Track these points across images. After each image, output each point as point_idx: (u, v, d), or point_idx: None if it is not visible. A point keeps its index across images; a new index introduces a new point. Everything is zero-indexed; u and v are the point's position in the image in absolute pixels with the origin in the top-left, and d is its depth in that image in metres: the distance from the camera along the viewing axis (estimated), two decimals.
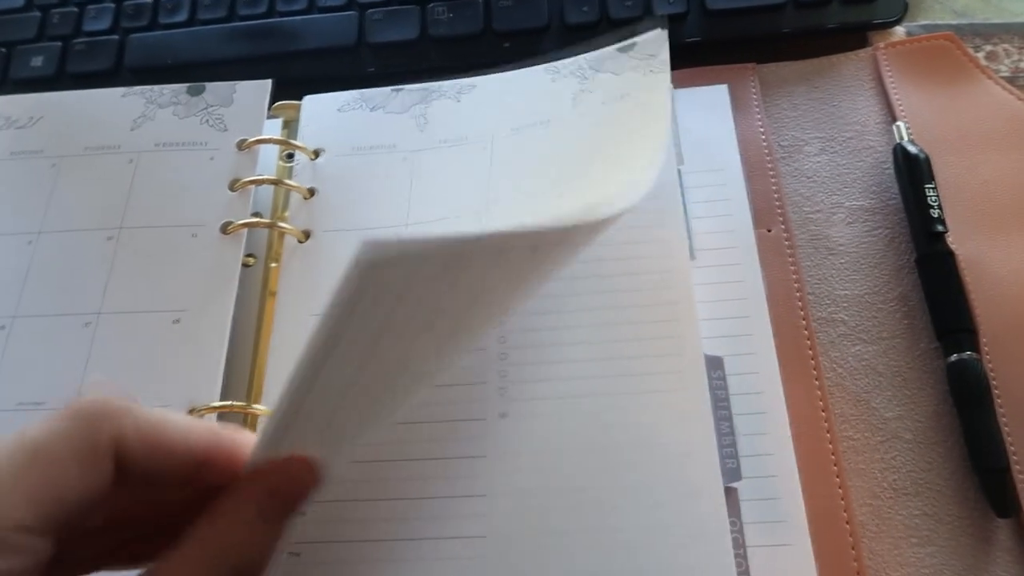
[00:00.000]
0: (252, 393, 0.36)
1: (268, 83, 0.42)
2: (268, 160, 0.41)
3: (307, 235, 0.39)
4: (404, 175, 0.40)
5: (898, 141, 0.39)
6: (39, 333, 0.37)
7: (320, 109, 0.43)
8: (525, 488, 0.32)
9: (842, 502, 0.33)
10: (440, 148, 0.41)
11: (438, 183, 0.40)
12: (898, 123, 0.40)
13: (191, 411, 0.34)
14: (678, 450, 0.32)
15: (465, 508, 0.32)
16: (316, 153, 0.41)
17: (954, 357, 0.34)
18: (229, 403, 0.34)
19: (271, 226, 0.38)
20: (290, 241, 0.39)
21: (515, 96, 0.42)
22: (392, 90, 0.43)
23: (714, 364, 0.35)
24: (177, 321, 0.36)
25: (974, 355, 0.34)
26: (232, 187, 0.39)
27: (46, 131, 0.42)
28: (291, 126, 0.43)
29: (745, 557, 0.32)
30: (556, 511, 0.32)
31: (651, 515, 0.31)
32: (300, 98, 0.43)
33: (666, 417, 0.33)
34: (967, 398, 0.34)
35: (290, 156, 0.42)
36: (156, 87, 0.43)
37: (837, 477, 0.33)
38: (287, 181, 0.40)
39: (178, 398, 0.34)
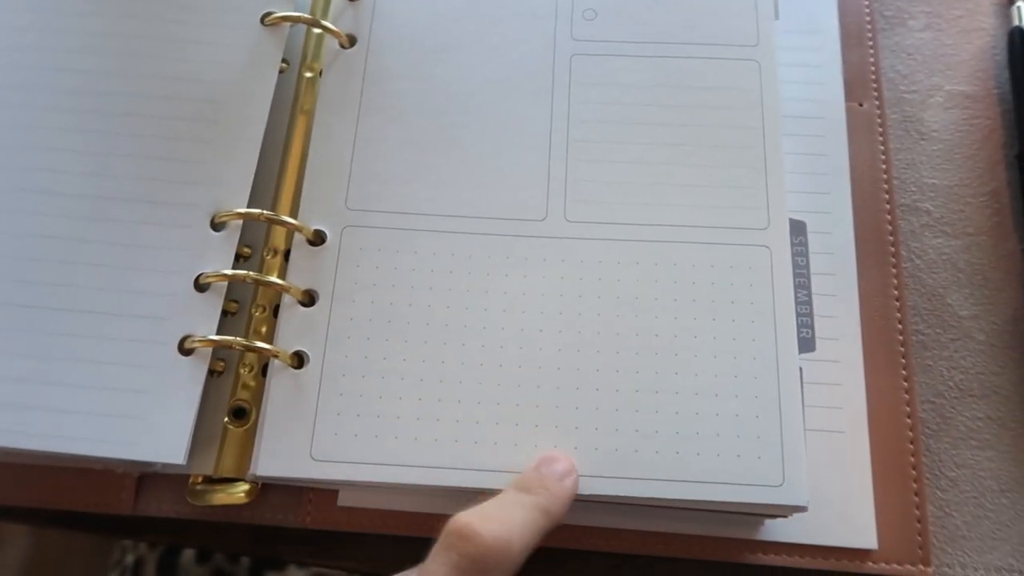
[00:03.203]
0: (278, 205, 0.32)
1: None
2: None
3: (351, 40, 0.34)
4: None
5: (1016, 24, 0.35)
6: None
7: None
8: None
9: (905, 395, 0.31)
10: None
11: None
12: (1019, 3, 0.36)
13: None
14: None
15: None
16: None
17: None
18: (258, 210, 0.30)
19: (313, 23, 0.34)
20: (331, 46, 0.34)
21: None
22: None
23: (797, 229, 0.32)
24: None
25: None
26: None
27: None
28: None
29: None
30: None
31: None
32: None
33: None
34: None
35: None
36: None
37: (903, 370, 0.31)
38: None
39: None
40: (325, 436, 0.28)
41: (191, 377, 0.28)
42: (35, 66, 0.33)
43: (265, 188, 0.33)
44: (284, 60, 0.34)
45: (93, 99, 0.32)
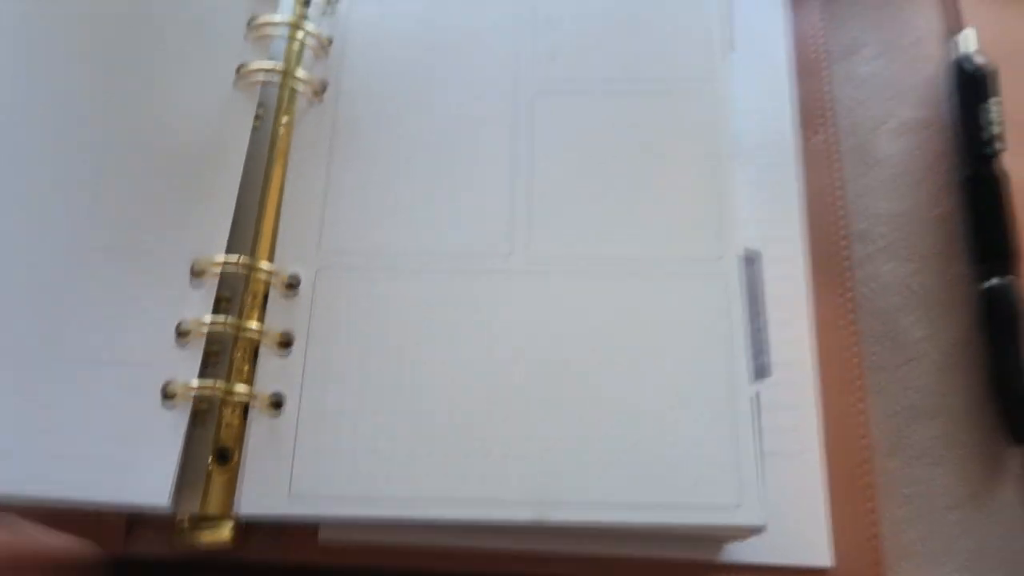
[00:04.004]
0: (257, 248, 0.34)
1: None
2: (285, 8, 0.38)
3: (323, 87, 0.36)
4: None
5: (962, 52, 0.37)
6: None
7: None
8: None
9: (861, 417, 0.32)
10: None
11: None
12: (965, 31, 0.37)
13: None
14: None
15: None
16: None
17: (994, 281, 0.33)
18: (236, 257, 0.32)
19: (285, 74, 0.35)
20: (303, 93, 0.36)
21: None
22: None
23: (751, 258, 0.33)
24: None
25: (1013, 278, 0.33)
26: (249, 25, 0.36)
27: None
28: None
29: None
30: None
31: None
32: None
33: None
34: (1000, 323, 0.33)
35: (307, 2, 0.38)
36: None
37: (858, 392, 0.33)
38: (304, 26, 0.36)
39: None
40: (304, 475, 0.29)
41: (173, 423, 0.30)
42: (11, 118, 0.34)
43: (245, 232, 0.34)
44: (261, 105, 0.36)
45: (72, 150, 0.34)
